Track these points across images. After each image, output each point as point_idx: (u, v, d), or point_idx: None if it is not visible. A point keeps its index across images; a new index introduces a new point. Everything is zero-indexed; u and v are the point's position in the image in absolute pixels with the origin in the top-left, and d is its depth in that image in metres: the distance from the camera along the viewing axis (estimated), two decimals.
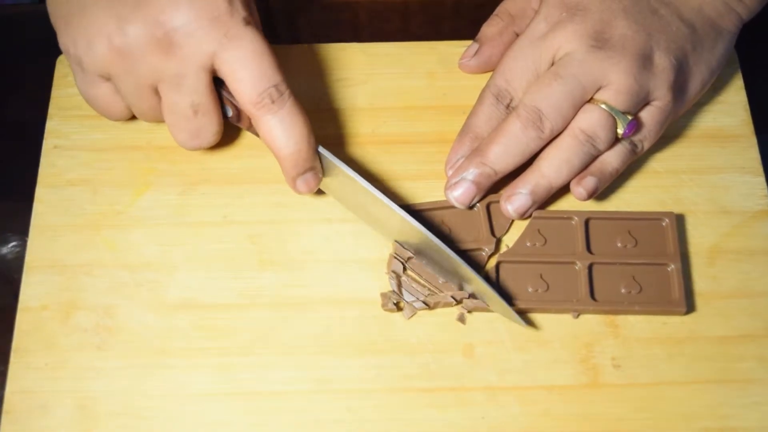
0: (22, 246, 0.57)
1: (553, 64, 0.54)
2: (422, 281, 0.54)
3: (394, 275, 0.53)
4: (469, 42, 0.60)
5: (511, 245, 0.55)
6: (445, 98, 0.60)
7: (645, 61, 0.53)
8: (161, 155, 0.58)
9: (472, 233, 0.55)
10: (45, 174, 0.57)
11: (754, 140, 0.58)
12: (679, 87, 0.55)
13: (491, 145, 0.54)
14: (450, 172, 0.55)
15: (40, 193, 0.56)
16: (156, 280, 0.54)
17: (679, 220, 0.55)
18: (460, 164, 0.55)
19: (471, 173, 0.54)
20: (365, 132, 0.58)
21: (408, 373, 0.52)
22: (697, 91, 0.56)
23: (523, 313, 0.53)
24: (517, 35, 0.58)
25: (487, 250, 0.54)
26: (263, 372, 0.52)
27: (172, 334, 0.53)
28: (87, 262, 0.54)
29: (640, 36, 0.54)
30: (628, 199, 0.57)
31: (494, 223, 0.55)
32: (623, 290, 0.53)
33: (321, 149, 0.53)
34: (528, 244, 0.54)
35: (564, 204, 0.56)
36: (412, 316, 0.53)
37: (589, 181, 0.54)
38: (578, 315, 0.53)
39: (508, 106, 0.55)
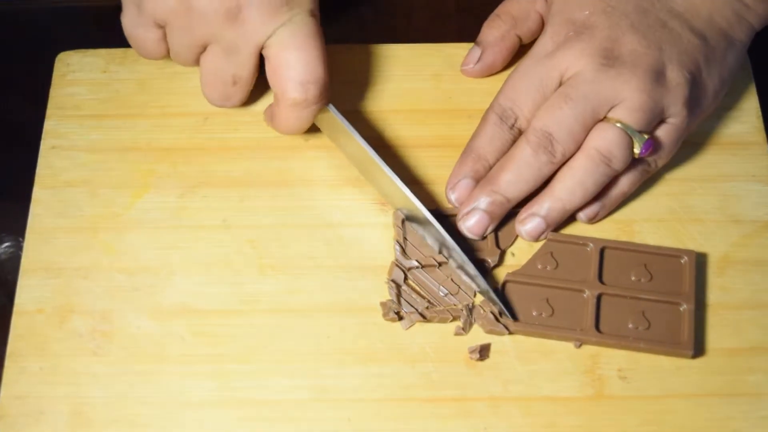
0: (17, 246, 0.56)
1: (560, 84, 0.53)
2: (422, 292, 0.53)
3: (393, 285, 0.52)
4: (473, 44, 0.59)
5: (516, 253, 0.54)
6: (451, 101, 0.59)
7: (658, 76, 0.52)
8: (161, 157, 0.57)
9: (477, 243, 0.54)
10: (42, 175, 0.56)
11: (766, 148, 0.57)
12: (693, 102, 0.53)
13: (502, 172, 0.52)
14: (451, 195, 0.54)
15: (38, 194, 0.56)
16: (154, 285, 0.53)
17: (699, 259, 0.53)
18: (472, 193, 0.53)
19: (483, 202, 0.53)
20: (369, 135, 0.57)
21: (409, 383, 0.51)
22: (710, 103, 0.55)
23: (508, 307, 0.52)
24: (520, 38, 0.58)
25: (491, 261, 0.53)
26: (262, 380, 0.51)
27: (169, 339, 0.52)
28: (84, 266, 0.54)
29: (651, 51, 0.52)
30: (637, 207, 0.56)
31: (500, 235, 0.54)
32: (630, 325, 0.51)
33: (331, 108, 0.53)
34: (539, 266, 0.53)
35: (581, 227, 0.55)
36: (410, 326, 0.52)
37: (591, 209, 0.53)
38: (580, 345, 0.51)
39: (512, 127, 0.53)
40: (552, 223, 0.53)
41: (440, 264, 0.53)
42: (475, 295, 0.53)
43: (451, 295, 0.53)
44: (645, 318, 0.51)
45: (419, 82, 0.59)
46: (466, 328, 0.52)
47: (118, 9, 0.55)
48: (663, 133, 0.53)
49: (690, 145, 0.57)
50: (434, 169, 0.56)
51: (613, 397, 0.50)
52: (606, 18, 0.53)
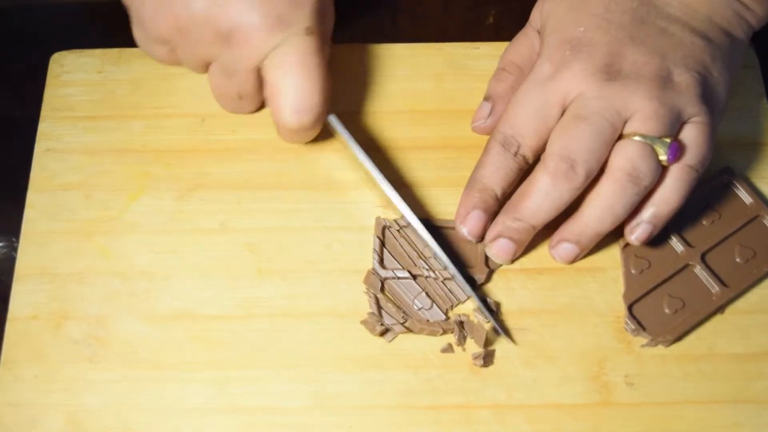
0: (10, 248, 0.55)
1: (563, 107, 0.51)
2: (398, 303, 0.52)
3: (372, 295, 0.51)
4: (475, 43, 0.59)
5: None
6: (453, 102, 0.58)
7: (665, 82, 0.50)
8: (157, 159, 0.56)
9: (468, 260, 0.53)
10: (37, 178, 0.55)
11: None
12: (708, 97, 0.51)
13: (523, 200, 0.50)
14: (463, 229, 0.52)
15: (32, 197, 0.55)
16: (150, 289, 0.52)
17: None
18: (496, 219, 0.52)
19: (507, 229, 0.51)
20: (370, 136, 0.56)
21: (412, 389, 0.50)
22: (726, 98, 0.53)
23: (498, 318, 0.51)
24: None
25: (478, 279, 0.52)
26: (261, 386, 0.50)
27: (166, 345, 0.51)
28: (79, 270, 0.53)
29: (653, 59, 0.50)
30: None
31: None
32: (738, 260, 0.52)
33: (332, 120, 0.53)
34: (633, 271, 0.53)
35: None
36: (393, 339, 0.51)
37: (642, 231, 0.51)
38: (723, 311, 0.52)
39: (515, 154, 0.51)
40: (586, 247, 0.52)
41: (415, 277, 0.52)
42: (447, 312, 0.52)
43: (425, 309, 0.52)
44: (747, 247, 0.53)
45: (420, 82, 0.58)
46: (461, 343, 0.51)
47: (114, 7, 0.54)
48: (690, 133, 0.50)
49: None
50: (436, 171, 0.55)
51: (619, 403, 0.49)
52: (603, 33, 0.51)
